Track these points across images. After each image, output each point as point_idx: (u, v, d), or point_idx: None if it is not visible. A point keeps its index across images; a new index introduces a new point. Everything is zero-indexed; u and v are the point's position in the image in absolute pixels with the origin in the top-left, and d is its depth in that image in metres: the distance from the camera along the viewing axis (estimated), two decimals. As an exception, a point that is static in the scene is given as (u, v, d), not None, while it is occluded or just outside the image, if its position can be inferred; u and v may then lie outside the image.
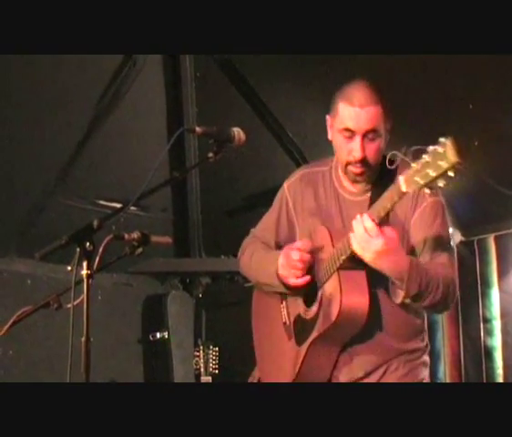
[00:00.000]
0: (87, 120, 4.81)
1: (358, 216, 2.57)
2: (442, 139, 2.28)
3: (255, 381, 3.23)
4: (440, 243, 2.74)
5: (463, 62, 3.95)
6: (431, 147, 2.30)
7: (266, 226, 3.15)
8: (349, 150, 2.75)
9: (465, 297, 4.78)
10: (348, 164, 2.78)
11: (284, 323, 3.02)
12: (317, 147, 4.80)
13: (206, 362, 5.52)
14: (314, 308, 2.83)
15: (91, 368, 2.31)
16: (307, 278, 2.82)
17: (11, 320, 2.63)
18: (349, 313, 2.69)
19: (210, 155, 2.66)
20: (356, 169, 2.77)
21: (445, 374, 4.90)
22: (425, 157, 2.31)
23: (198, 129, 2.68)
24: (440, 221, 2.76)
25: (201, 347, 5.58)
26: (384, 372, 2.85)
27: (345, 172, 2.85)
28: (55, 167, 4.90)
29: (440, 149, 2.27)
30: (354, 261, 2.65)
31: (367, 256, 2.55)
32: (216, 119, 4.97)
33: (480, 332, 4.67)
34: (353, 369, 2.84)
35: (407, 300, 2.64)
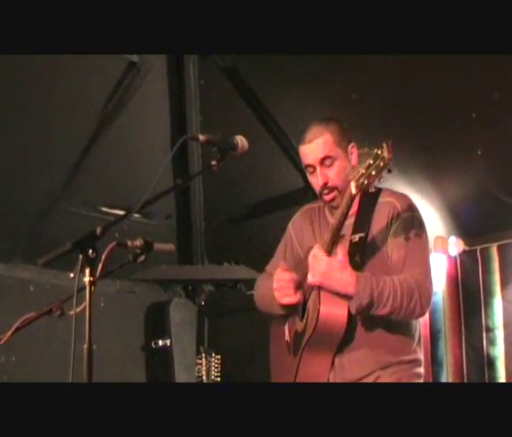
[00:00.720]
0: (91, 127, 4.82)
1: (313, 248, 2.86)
2: (383, 144, 2.58)
3: None
4: (413, 256, 2.89)
5: (466, 70, 3.95)
6: (374, 151, 2.61)
7: (275, 262, 3.33)
8: (315, 182, 3.04)
9: (468, 306, 4.78)
10: (320, 194, 3.04)
11: (287, 341, 3.18)
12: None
13: (208, 370, 5.52)
14: (304, 320, 3.01)
15: (93, 375, 2.31)
16: (297, 296, 3.02)
17: (14, 327, 2.62)
18: (327, 321, 2.86)
19: (214, 163, 2.67)
20: (326, 196, 3.03)
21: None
22: (368, 161, 2.61)
23: (201, 137, 2.69)
24: (413, 234, 2.92)
25: (204, 354, 5.58)
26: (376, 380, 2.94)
27: (324, 203, 3.12)
28: (59, 173, 4.91)
29: (379, 152, 2.58)
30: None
31: (315, 279, 2.82)
32: (220, 127, 4.98)
33: (483, 342, 4.66)
34: (344, 378, 2.94)
35: (362, 311, 2.80)
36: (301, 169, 5.09)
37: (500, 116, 4.06)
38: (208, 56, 5.02)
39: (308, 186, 5.08)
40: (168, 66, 5.08)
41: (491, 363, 4.62)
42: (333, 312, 2.86)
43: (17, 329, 2.63)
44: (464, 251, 4.82)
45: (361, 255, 2.91)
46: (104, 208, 5.20)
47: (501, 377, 4.55)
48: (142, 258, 2.58)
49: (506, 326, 4.57)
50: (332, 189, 3.00)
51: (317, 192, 3.06)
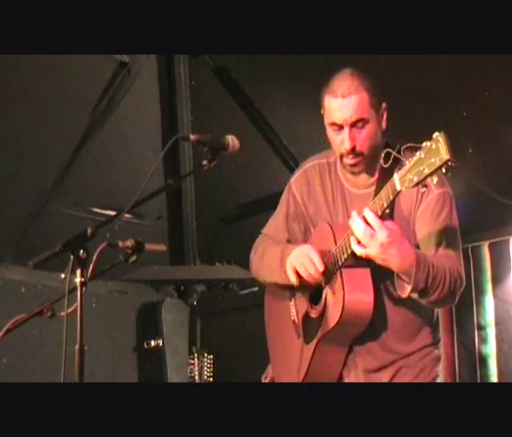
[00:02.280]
0: (82, 128, 4.81)
1: (354, 213, 2.54)
2: (435, 135, 2.29)
3: (268, 379, 3.20)
4: (446, 236, 2.70)
5: (457, 69, 3.96)
6: (424, 144, 2.31)
7: (276, 224, 3.10)
8: (339, 142, 2.74)
9: (460, 304, 4.75)
10: (342, 156, 2.77)
11: (293, 321, 3.00)
12: (312, 155, 4.81)
13: (200, 370, 5.52)
14: (320, 307, 2.81)
15: (85, 376, 2.30)
16: (319, 276, 2.76)
17: (4, 328, 2.62)
18: (353, 312, 2.66)
19: (205, 162, 2.66)
20: (350, 160, 2.75)
21: (440, 381, 4.89)
22: (418, 154, 2.31)
23: (192, 137, 2.69)
24: (446, 213, 2.73)
25: (196, 354, 5.58)
26: (395, 374, 2.83)
27: (343, 165, 2.83)
28: (49, 174, 4.90)
29: (433, 146, 2.27)
30: (358, 259, 2.61)
31: (372, 251, 2.50)
32: (211, 127, 4.98)
33: (475, 340, 4.66)
34: (361, 368, 2.83)
35: (414, 295, 2.59)
36: (292, 168, 5.10)
37: (490, 115, 4.07)
38: (198, 56, 5.02)
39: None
40: (159, 67, 5.08)
41: (483, 361, 4.62)
42: (358, 302, 2.66)
43: (8, 330, 2.62)
44: (455, 250, 4.82)
45: None
46: (95, 209, 5.18)
47: (493, 375, 4.55)
48: (133, 258, 2.58)
49: (497, 324, 4.58)
50: (357, 154, 2.72)
51: (337, 152, 2.80)
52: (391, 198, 2.46)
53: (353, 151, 2.71)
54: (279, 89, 4.80)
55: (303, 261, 2.76)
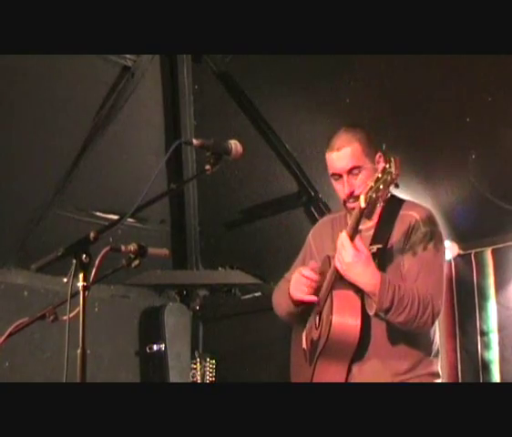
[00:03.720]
0: (85, 132, 4.81)
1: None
2: (390, 158, 2.62)
3: None
4: (428, 270, 2.90)
5: (459, 74, 3.96)
6: (381, 165, 2.69)
7: (294, 270, 3.27)
8: (340, 190, 3.05)
9: (463, 310, 4.77)
10: (345, 203, 3.05)
11: (303, 349, 3.19)
12: (315, 160, 4.81)
13: (203, 375, 5.52)
14: (319, 329, 3.02)
15: (87, 380, 2.30)
16: (310, 295, 3.01)
17: (7, 332, 2.62)
18: (340, 332, 2.87)
19: (208, 167, 2.66)
20: (350, 204, 3.01)
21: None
22: (377, 175, 2.66)
23: (195, 142, 2.68)
24: (430, 250, 2.93)
25: (198, 359, 5.58)
26: None
27: (347, 212, 3.10)
28: (52, 178, 4.90)
29: (387, 165, 2.62)
30: (349, 282, 2.87)
31: (340, 267, 2.83)
32: (214, 131, 4.97)
33: (477, 346, 4.65)
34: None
35: (382, 314, 2.81)
36: (295, 173, 5.10)
37: (494, 120, 4.06)
38: (201, 61, 5.02)
39: (301, 190, 5.12)
40: (162, 71, 5.08)
41: (486, 367, 4.62)
42: (346, 322, 2.86)
43: (11, 334, 2.62)
44: (458, 255, 4.82)
45: (378, 266, 2.86)
46: (97, 213, 5.19)
47: (496, 381, 4.54)
48: (136, 262, 2.58)
49: (500, 330, 4.57)
50: (357, 198, 2.91)
51: (341, 200, 3.07)
52: (358, 216, 2.78)
53: (351, 195, 2.99)
54: (282, 94, 4.79)
55: (298, 280, 3.05)
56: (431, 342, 3.00)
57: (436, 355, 3.02)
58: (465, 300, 4.75)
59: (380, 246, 2.92)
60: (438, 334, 3.07)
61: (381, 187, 2.62)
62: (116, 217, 5.01)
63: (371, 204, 2.70)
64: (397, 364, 2.91)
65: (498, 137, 4.11)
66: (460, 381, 4.71)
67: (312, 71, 4.49)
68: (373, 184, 2.65)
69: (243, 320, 5.78)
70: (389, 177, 2.60)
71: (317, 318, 3.08)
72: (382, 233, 2.97)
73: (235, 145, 2.70)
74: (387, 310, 2.77)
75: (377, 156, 3.04)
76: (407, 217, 2.97)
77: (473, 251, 4.72)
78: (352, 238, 2.80)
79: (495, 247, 4.63)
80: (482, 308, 4.66)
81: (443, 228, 4.74)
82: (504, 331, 4.56)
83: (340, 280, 2.90)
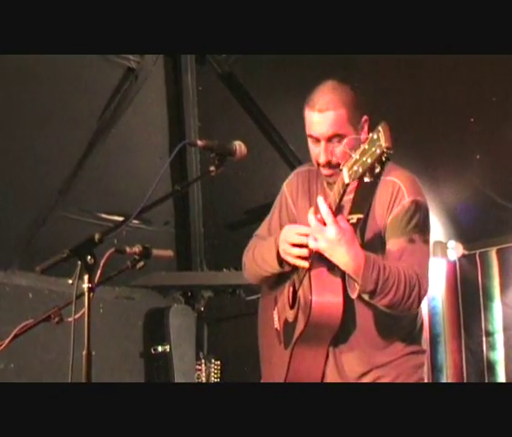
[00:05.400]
0: (89, 134, 4.82)
1: (312, 208, 2.56)
2: (378, 127, 2.25)
3: None
4: (413, 245, 2.64)
5: (464, 75, 3.95)
6: (369, 135, 2.28)
7: (269, 225, 3.11)
8: (316, 155, 2.75)
9: (468, 311, 4.77)
10: (318, 166, 2.78)
11: (276, 329, 3.01)
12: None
13: (208, 376, 5.52)
14: (295, 309, 2.80)
15: (92, 381, 2.30)
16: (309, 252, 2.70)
17: (12, 334, 2.62)
18: (321, 313, 2.65)
19: (212, 168, 2.66)
20: (325, 171, 2.76)
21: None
22: (363, 146, 2.29)
23: (199, 143, 2.68)
24: (415, 223, 2.65)
25: (203, 360, 5.58)
26: (376, 380, 2.78)
27: (322, 176, 2.84)
28: (57, 180, 4.91)
29: (375, 136, 2.24)
30: (328, 259, 2.58)
31: (321, 245, 2.50)
32: (218, 133, 4.98)
33: (482, 346, 4.65)
34: (341, 373, 2.79)
35: (365, 297, 2.56)
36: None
37: (498, 121, 4.06)
38: (205, 63, 5.02)
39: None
40: (166, 72, 5.09)
41: (491, 367, 4.61)
42: (328, 301, 2.65)
43: (16, 335, 2.62)
44: (463, 256, 4.82)
45: (358, 237, 2.60)
46: (102, 215, 5.20)
47: (501, 381, 4.54)
48: (141, 264, 2.58)
49: (505, 330, 4.57)
50: (333, 167, 2.71)
51: (314, 162, 2.80)
52: (341, 191, 2.46)
53: (328, 164, 2.72)
54: (286, 95, 4.79)
55: (291, 238, 2.72)
56: (415, 316, 2.80)
57: (420, 330, 2.83)
58: (470, 301, 4.75)
59: (360, 216, 2.56)
60: (421, 315, 2.85)
61: (368, 161, 2.25)
62: (120, 218, 5.01)
63: (356, 179, 2.34)
64: (380, 347, 2.75)
65: (503, 137, 4.11)
66: (465, 381, 4.71)
67: (315, 72, 4.49)
68: (357, 156, 2.30)
69: (248, 321, 5.74)
70: (378, 150, 2.21)
71: (290, 296, 2.85)
72: (362, 201, 2.55)
73: (239, 146, 2.70)
74: (371, 293, 2.51)
75: (362, 120, 2.74)
76: (389, 183, 2.68)
77: (478, 252, 4.72)
78: (334, 213, 2.49)
79: (500, 247, 4.63)
80: (487, 308, 4.66)
81: (448, 228, 4.78)
82: (509, 332, 4.56)
83: (317, 258, 2.63)
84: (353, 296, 2.57)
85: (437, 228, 4.80)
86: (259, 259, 2.99)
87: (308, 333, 2.71)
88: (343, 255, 2.48)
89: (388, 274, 2.52)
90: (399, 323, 2.76)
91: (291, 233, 2.74)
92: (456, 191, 4.57)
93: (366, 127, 2.75)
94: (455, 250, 4.81)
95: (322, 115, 2.69)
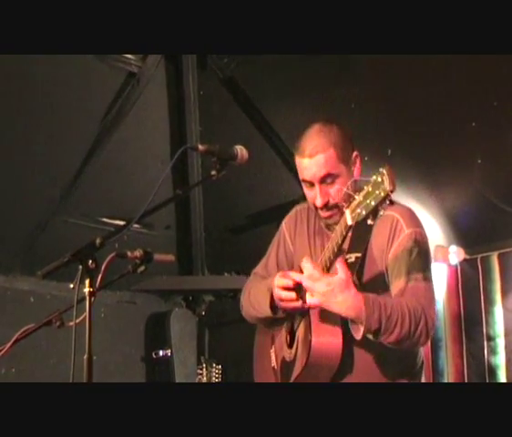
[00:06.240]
0: (90, 138, 4.82)
1: (303, 262, 2.57)
2: (380, 169, 2.29)
3: None
4: (415, 277, 2.64)
5: (465, 78, 3.96)
6: (371, 178, 2.32)
7: (266, 262, 3.12)
8: (312, 198, 2.77)
9: (469, 315, 4.77)
10: (316, 209, 2.80)
11: (273, 368, 3.00)
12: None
13: (209, 380, 5.51)
14: (293, 349, 2.81)
15: (94, 386, 2.30)
16: (298, 303, 2.72)
17: (13, 338, 2.62)
18: (321, 353, 2.65)
19: (213, 173, 2.66)
20: (324, 213, 2.78)
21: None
22: (366, 188, 2.32)
23: (200, 147, 2.68)
24: (416, 254, 2.66)
25: (204, 365, 5.57)
26: None
27: (320, 219, 2.86)
28: (58, 184, 4.91)
29: (378, 179, 2.28)
30: None
31: (316, 301, 2.50)
32: (219, 137, 4.98)
33: (484, 350, 4.65)
34: None
35: (370, 336, 2.54)
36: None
37: (500, 125, 4.06)
38: (206, 67, 5.03)
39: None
40: (167, 77, 5.09)
41: (492, 372, 4.61)
42: (327, 342, 2.65)
43: (17, 340, 2.63)
44: (464, 260, 4.82)
45: (358, 276, 2.64)
46: (103, 219, 5.20)
47: (502, 386, 4.54)
48: (142, 268, 2.58)
49: (507, 334, 4.57)
50: (331, 208, 2.73)
51: (312, 206, 2.84)
52: (344, 233, 2.50)
53: (325, 206, 2.74)
54: (287, 100, 4.80)
55: (285, 285, 2.74)
56: (415, 354, 2.80)
57: (421, 366, 2.83)
58: (472, 305, 4.75)
59: (359, 254, 2.63)
60: (421, 351, 2.85)
61: (372, 203, 2.28)
62: (122, 223, 5.01)
63: (359, 221, 2.35)
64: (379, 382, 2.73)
65: (504, 141, 4.11)
66: (467, 386, 4.70)
67: (316, 77, 4.50)
68: (361, 199, 2.32)
69: (249, 325, 5.75)
70: (382, 193, 2.25)
71: (288, 336, 2.86)
72: (360, 240, 2.64)
73: (241, 150, 2.70)
74: (376, 332, 2.49)
75: (353, 155, 2.76)
76: (388, 217, 2.66)
77: (479, 256, 4.72)
78: (335, 256, 2.54)
79: (501, 251, 4.63)
80: (488, 312, 4.66)
81: (449, 233, 4.78)
82: (510, 336, 4.56)
83: None
84: (358, 337, 2.54)
85: (439, 232, 4.80)
86: (255, 302, 2.99)
87: (306, 373, 2.70)
88: (340, 304, 2.48)
89: (391, 311, 2.50)
90: (399, 362, 2.75)
91: (282, 281, 2.73)
92: (458, 195, 4.57)
93: (358, 162, 2.78)
94: (457, 255, 4.80)
95: (313, 159, 2.71)
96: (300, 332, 2.77)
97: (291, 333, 2.86)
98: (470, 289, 4.77)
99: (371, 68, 4.21)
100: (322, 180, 2.71)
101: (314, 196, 2.75)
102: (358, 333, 2.53)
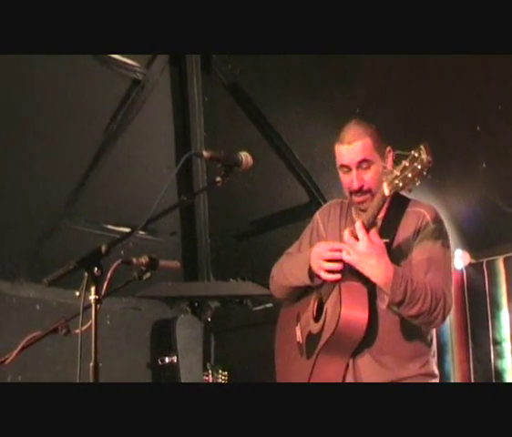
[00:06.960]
0: (96, 145, 4.83)
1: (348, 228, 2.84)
2: (420, 146, 2.56)
3: None
4: (437, 265, 2.88)
5: (470, 83, 3.96)
6: (410, 152, 2.58)
7: (300, 246, 3.29)
8: (348, 183, 2.98)
9: (475, 319, 4.76)
10: (351, 195, 3.00)
11: (298, 342, 3.15)
12: (325, 171, 4.82)
13: (215, 386, 5.50)
14: (321, 321, 2.98)
15: (100, 393, 2.30)
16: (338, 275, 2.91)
17: (20, 346, 2.63)
18: (348, 325, 2.83)
19: (218, 179, 2.67)
20: (358, 198, 2.97)
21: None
22: (404, 163, 2.60)
23: (205, 154, 2.68)
24: (439, 246, 2.91)
25: (210, 371, 5.58)
26: None
27: (353, 204, 3.08)
28: (63, 191, 4.92)
29: (416, 154, 2.56)
30: (357, 274, 2.83)
31: (352, 258, 2.76)
32: (224, 143, 4.99)
33: (490, 355, 4.64)
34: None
35: (394, 308, 2.78)
36: (305, 184, 5.10)
37: (504, 129, 4.06)
38: (211, 73, 5.04)
39: (312, 200, 5.12)
40: (172, 83, 5.10)
41: (499, 376, 4.60)
42: (355, 315, 2.84)
43: (23, 347, 2.63)
44: (470, 264, 4.81)
45: None
46: (109, 226, 5.20)
47: (509, 390, 4.52)
48: (147, 275, 2.59)
49: (513, 338, 4.56)
50: (365, 193, 2.95)
51: (346, 191, 3.02)
52: (380, 204, 2.76)
53: (360, 190, 2.95)
54: (292, 105, 4.81)
55: (323, 254, 2.93)
56: (430, 341, 3.00)
57: (434, 355, 3.03)
58: (478, 309, 4.74)
59: (387, 240, 2.86)
60: (434, 343, 3.05)
61: (409, 175, 2.56)
62: (127, 229, 5.02)
63: (396, 190, 2.64)
64: (398, 362, 2.91)
65: (509, 145, 4.11)
66: (473, 390, 4.69)
67: (321, 82, 4.50)
68: (398, 173, 2.60)
69: (255, 331, 5.77)
70: (419, 165, 2.54)
71: (315, 309, 3.04)
72: (388, 228, 2.93)
73: (245, 156, 2.71)
74: (400, 303, 2.73)
75: (386, 150, 3.00)
76: (415, 213, 2.94)
77: (485, 260, 4.71)
78: (370, 226, 2.77)
79: (507, 255, 4.62)
80: (494, 317, 4.65)
81: (454, 237, 4.77)
82: (517, 340, 4.55)
83: (346, 272, 2.87)
84: (383, 306, 2.81)
85: (444, 236, 4.79)
86: (287, 272, 3.20)
87: (332, 343, 2.89)
88: (374, 267, 2.74)
89: (416, 286, 2.75)
90: (419, 343, 2.96)
91: (323, 249, 2.95)
92: (463, 200, 4.57)
93: (390, 157, 2.99)
94: (462, 259, 4.80)
95: (351, 146, 2.95)
96: (329, 304, 2.95)
97: (319, 307, 3.03)
98: (476, 293, 4.76)
99: (375, 74, 4.21)
100: (359, 165, 2.94)
101: (351, 180, 2.96)
102: (384, 302, 2.79)
